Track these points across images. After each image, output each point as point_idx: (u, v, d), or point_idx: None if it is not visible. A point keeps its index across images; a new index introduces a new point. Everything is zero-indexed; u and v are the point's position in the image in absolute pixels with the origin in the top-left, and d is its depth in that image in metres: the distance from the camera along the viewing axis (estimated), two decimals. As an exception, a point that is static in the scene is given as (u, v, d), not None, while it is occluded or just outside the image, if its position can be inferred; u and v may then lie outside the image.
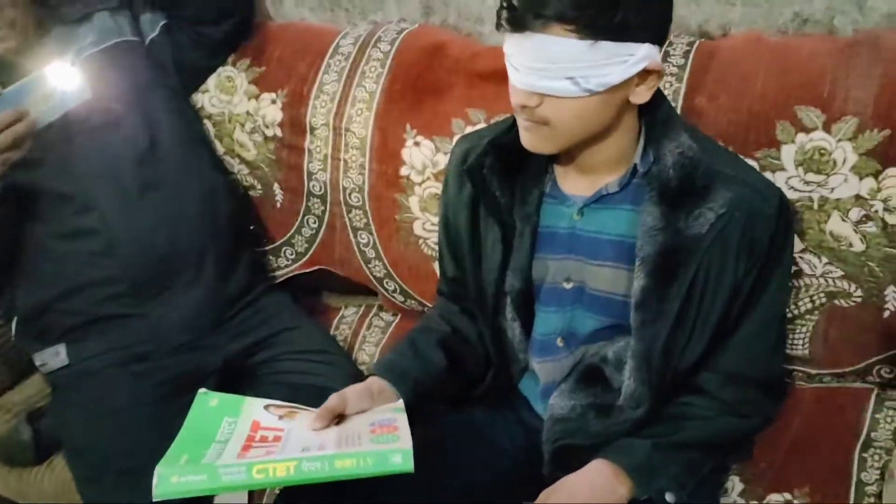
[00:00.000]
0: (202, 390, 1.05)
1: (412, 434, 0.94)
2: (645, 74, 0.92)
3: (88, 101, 1.19)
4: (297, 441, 0.96)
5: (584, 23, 0.86)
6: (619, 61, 0.88)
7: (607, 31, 0.87)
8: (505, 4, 0.89)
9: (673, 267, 0.97)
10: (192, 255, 1.41)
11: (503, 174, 1.06)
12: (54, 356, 1.34)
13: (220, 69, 1.58)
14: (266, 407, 1.05)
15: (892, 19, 1.23)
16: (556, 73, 0.89)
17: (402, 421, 0.98)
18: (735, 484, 1.18)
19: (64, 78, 1.14)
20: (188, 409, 1.30)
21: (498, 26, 0.92)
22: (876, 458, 1.15)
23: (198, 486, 0.87)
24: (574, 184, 1.05)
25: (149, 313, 1.37)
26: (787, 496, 1.14)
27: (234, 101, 1.57)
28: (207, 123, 1.60)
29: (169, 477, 0.87)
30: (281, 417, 1.03)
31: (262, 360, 1.44)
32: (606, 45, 0.87)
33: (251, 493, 1.33)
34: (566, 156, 1.04)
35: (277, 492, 1.19)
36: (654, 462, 1.00)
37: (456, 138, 1.38)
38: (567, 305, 1.08)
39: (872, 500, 1.10)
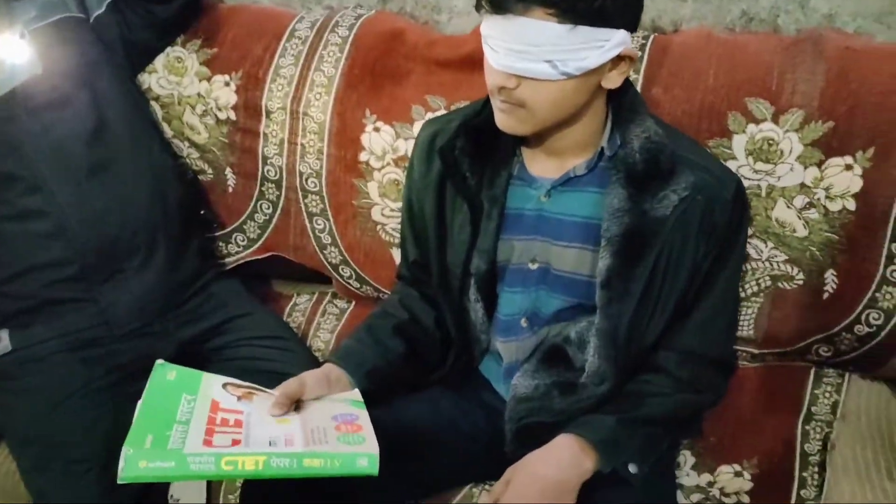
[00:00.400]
0: (159, 361, 1.02)
1: (373, 419, 0.96)
2: (618, 60, 0.96)
3: (36, 77, 1.14)
4: (261, 430, 0.95)
5: (565, 7, 0.89)
6: (596, 46, 0.91)
7: (586, 16, 0.89)
8: None
9: (638, 247, 1.01)
10: (142, 239, 1.38)
11: (473, 156, 1.08)
12: None
13: (169, 49, 1.54)
14: (224, 385, 1.04)
15: (832, 19, 1.32)
16: (535, 55, 0.91)
17: (365, 420, 0.98)
18: (687, 458, 1.24)
19: (12, 51, 1.09)
20: (139, 397, 1.27)
21: (478, 7, 0.94)
22: (817, 430, 1.23)
23: (165, 472, 0.86)
24: (542, 166, 1.08)
25: (98, 298, 1.32)
26: (737, 467, 1.21)
27: (184, 82, 1.53)
28: (155, 105, 1.55)
29: (137, 461, 0.85)
30: (239, 398, 1.02)
31: (216, 347, 1.42)
32: (584, 30, 0.90)
33: (209, 491, 1.31)
34: (535, 139, 1.06)
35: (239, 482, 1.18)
36: (619, 436, 1.03)
37: (416, 125, 1.40)
38: (532, 286, 1.11)
39: (816, 469, 1.17)
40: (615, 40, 0.93)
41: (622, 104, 1.03)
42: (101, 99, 1.37)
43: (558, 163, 1.07)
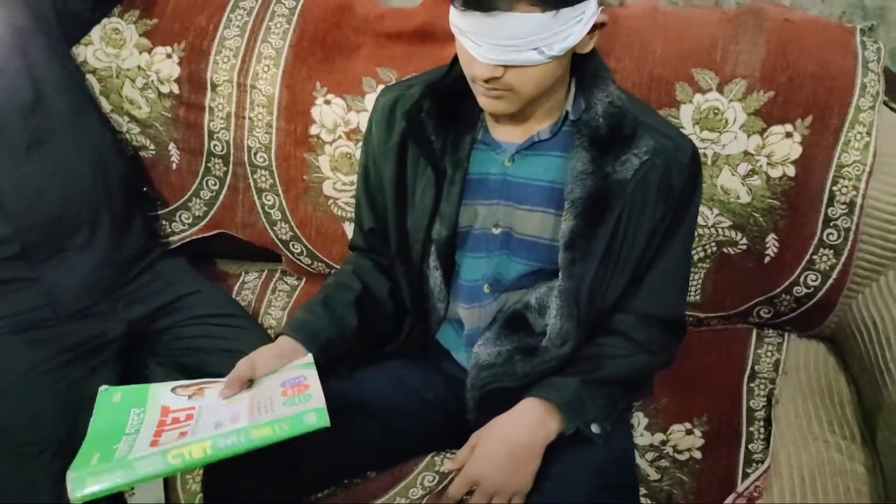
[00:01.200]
0: (103, 387, 1.01)
1: (327, 389, 0.96)
2: (592, 27, 0.97)
3: None
4: (210, 417, 0.95)
5: None
6: (576, 22, 0.92)
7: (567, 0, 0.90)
8: None
9: (601, 209, 1.03)
10: (84, 216, 1.33)
11: (438, 119, 1.07)
12: None
13: (106, 21, 1.48)
14: (173, 390, 1.02)
15: (770, -7, 1.37)
16: (522, 45, 0.91)
17: (313, 377, 0.99)
18: (640, 419, 1.28)
19: None
20: (91, 377, 1.24)
21: (458, 5, 0.92)
22: (762, 387, 1.29)
23: (115, 483, 0.84)
24: (506, 131, 1.08)
25: (42, 277, 1.27)
26: (688, 426, 1.25)
27: (122, 54, 1.47)
28: (92, 79, 1.49)
29: (83, 480, 0.84)
30: (190, 397, 1.01)
31: (166, 326, 1.38)
32: (565, 11, 0.90)
33: (167, 486, 1.27)
34: None
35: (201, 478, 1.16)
36: (582, 397, 1.06)
37: (368, 97, 1.39)
38: (495, 251, 1.11)
39: (762, 423, 1.23)
40: (590, 11, 0.94)
41: (586, 70, 1.05)
42: (35, 71, 1.31)
43: (523, 128, 1.07)
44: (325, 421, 0.90)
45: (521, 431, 1.03)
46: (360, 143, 1.21)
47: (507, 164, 1.08)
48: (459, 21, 0.94)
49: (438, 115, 1.07)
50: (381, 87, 1.39)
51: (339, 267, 1.49)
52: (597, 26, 0.97)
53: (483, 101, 1.00)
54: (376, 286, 1.19)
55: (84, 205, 1.32)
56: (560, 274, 1.06)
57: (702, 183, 1.10)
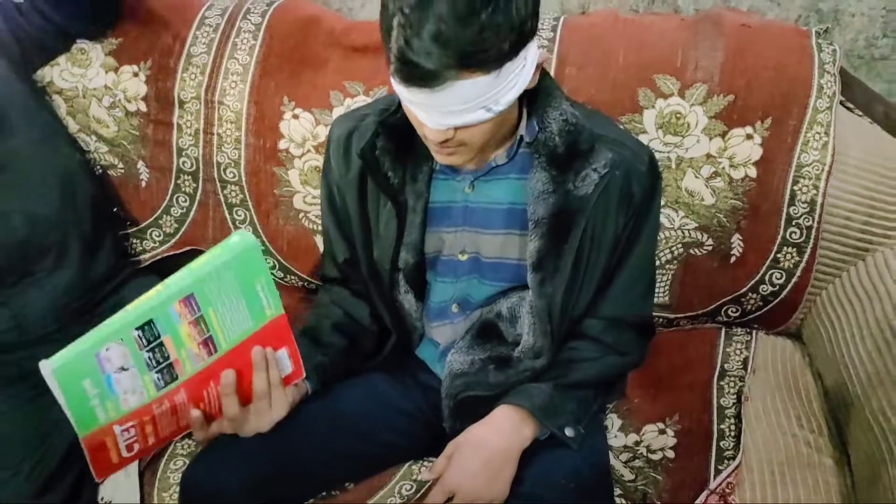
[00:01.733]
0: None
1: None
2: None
3: None
4: None
5: (492, 59, 0.88)
6: (519, 71, 0.92)
7: (510, 55, 0.89)
8: (407, 65, 0.87)
9: (565, 226, 1.04)
10: (52, 240, 1.32)
11: (394, 154, 1.07)
12: None
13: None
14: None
15: (727, 0, 1.40)
16: (470, 108, 0.91)
17: None
18: (614, 421, 1.29)
19: None
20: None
21: (400, 82, 0.91)
22: (731, 384, 1.31)
23: (81, 346, 0.89)
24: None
25: (8, 301, 1.26)
26: (660, 425, 1.27)
27: (88, 74, 1.47)
28: (58, 99, 1.49)
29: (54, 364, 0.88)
30: None
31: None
32: (507, 66, 0.90)
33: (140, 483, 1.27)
34: None
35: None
36: (555, 401, 1.07)
37: (336, 110, 1.40)
38: (463, 276, 1.13)
39: (732, 421, 1.25)
40: (531, 55, 0.94)
41: (538, 90, 1.05)
42: None
43: (480, 155, 1.08)
44: (250, 239, 0.94)
45: (496, 439, 1.04)
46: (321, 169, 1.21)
47: (467, 190, 1.09)
48: (403, 92, 0.92)
49: (394, 149, 1.07)
50: (348, 100, 1.40)
51: (311, 280, 1.50)
52: (539, 65, 0.97)
53: (437, 157, 1.01)
54: (356, 311, 1.20)
55: (52, 228, 1.32)
56: (531, 293, 1.08)
57: (661, 187, 1.12)
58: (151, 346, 0.94)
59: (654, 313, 1.37)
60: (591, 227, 1.04)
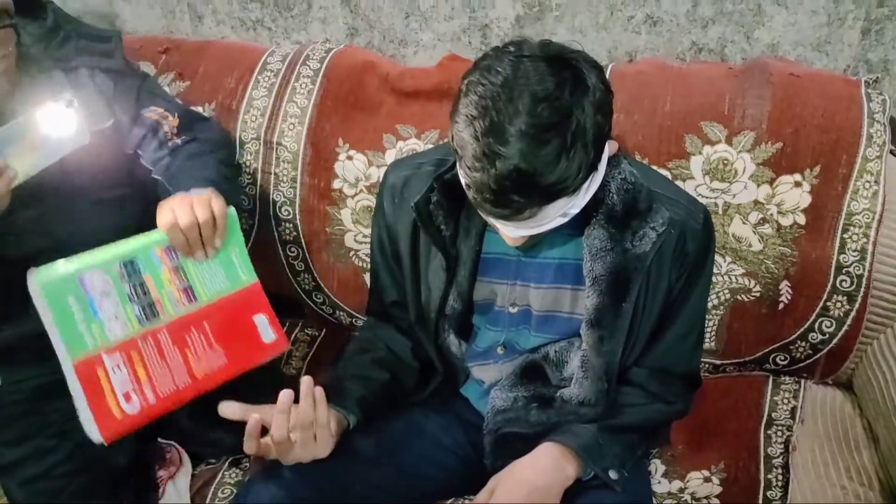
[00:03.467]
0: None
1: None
2: None
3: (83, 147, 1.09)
4: None
5: (570, 191, 0.89)
6: (595, 174, 0.94)
7: (589, 174, 0.91)
8: (491, 203, 0.89)
9: (623, 284, 1.04)
10: None
11: (448, 208, 1.10)
12: None
13: (143, 83, 1.56)
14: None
15: (775, 48, 1.42)
16: (550, 220, 0.94)
17: None
18: (658, 467, 1.28)
19: (62, 121, 1.03)
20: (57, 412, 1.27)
21: (486, 216, 0.94)
22: (779, 434, 1.29)
23: (65, 266, 1.01)
24: None
25: None
26: (706, 473, 1.25)
27: (154, 115, 1.55)
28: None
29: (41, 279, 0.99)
30: None
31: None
32: (585, 184, 0.92)
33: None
34: None
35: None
36: (600, 442, 1.08)
37: (388, 153, 1.44)
38: (512, 326, 1.15)
39: (779, 471, 1.23)
40: (604, 158, 0.96)
41: None
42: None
43: None
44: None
45: (539, 475, 1.05)
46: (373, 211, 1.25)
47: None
48: (482, 211, 0.94)
49: (447, 205, 1.09)
50: (400, 143, 1.44)
51: (360, 316, 1.54)
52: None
53: (508, 241, 1.02)
54: (399, 347, 1.22)
55: None
56: (586, 349, 1.08)
57: (714, 244, 1.12)
58: (133, 281, 1.04)
59: (700, 384, 1.37)
60: (645, 284, 1.05)
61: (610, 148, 0.98)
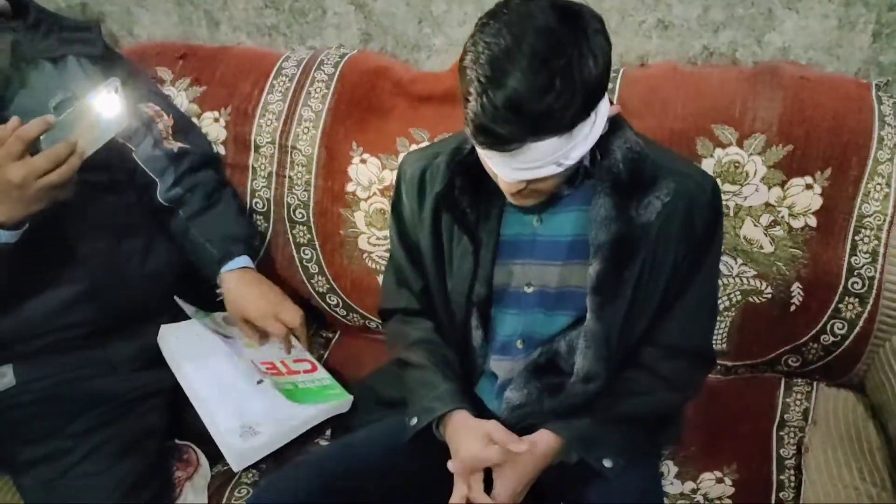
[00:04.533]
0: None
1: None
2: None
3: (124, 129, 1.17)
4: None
5: (562, 127, 0.91)
6: (591, 126, 0.96)
7: (580, 118, 0.93)
8: (483, 132, 0.91)
9: (626, 252, 1.06)
10: (158, 301, 1.39)
11: (470, 192, 1.12)
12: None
13: (131, 70, 1.56)
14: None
15: (786, 52, 1.42)
16: (542, 164, 0.95)
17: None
18: (670, 468, 1.29)
19: (108, 105, 1.10)
20: (140, 421, 1.30)
21: (480, 146, 0.96)
22: (791, 435, 1.30)
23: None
24: None
25: (108, 349, 1.33)
26: (718, 474, 1.26)
27: (172, 119, 1.58)
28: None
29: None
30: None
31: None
32: (579, 126, 0.94)
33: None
34: None
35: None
36: (594, 433, 1.10)
37: (401, 156, 1.45)
38: (528, 309, 1.15)
39: (792, 472, 1.23)
40: (602, 111, 0.97)
41: None
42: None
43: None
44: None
45: (537, 463, 1.10)
46: (391, 202, 1.26)
47: (535, 224, 1.12)
48: (479, 150, 0.98)
49: (471, 190, 1.11)
50: (413, 146, 1.46)
51: (373, 318, 1.55)
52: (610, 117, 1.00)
53: (510, 198, 1.05)
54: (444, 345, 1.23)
55: (159, 292, 1.39)
56: (588, 316, 1.09)
57: (723, 216, 1.13)
58: None
59: (714, 364, 1.37)
60: (651, 255, 1.06)
61: (611, 110, 0.99)
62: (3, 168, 1.02)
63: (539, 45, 0.87)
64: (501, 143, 0.92)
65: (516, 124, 0.89)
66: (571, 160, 0.96)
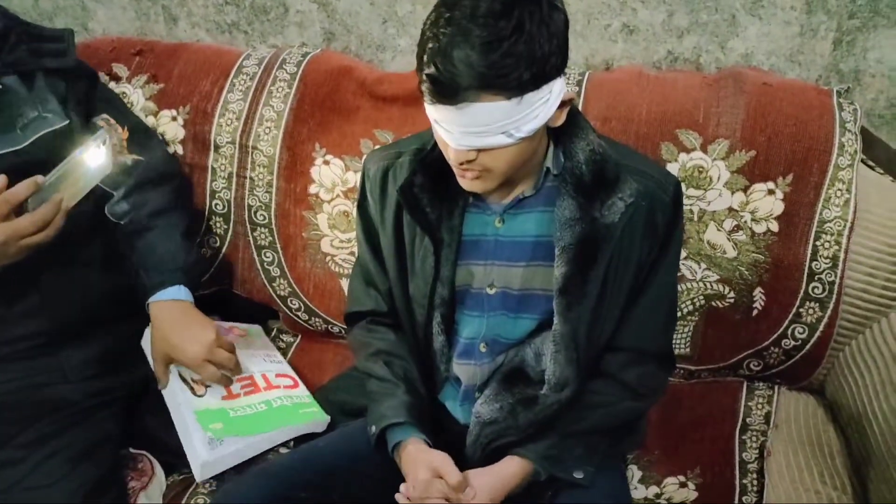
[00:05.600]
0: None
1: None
2: (561, 105, 1.01)
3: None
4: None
5: (512, 85, 0.92)
6: (542, 103, 0.96)
7: (530, 85, 0.93)
8: (434, 82, 0.92)
9: (591, 252, 1.06)
10: (108, 307, 1.35)
11: (432, 191, 1.11)
12: None
13: (114, 85, 1.54)
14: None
15: (748, 58, 1.44)
16: (490, 131, 0.95)
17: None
18: (634, 472, 1.29)
19: (95, 159, 1.13)
20: (96, 428, 1.26)
21: (429, 100, 0.96)
22: (753, 439, 1.30)
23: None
24: (493, 193, 1.13)
25: (59, 355, 1.29)
26: (681, 478, 1.26)
27: (129, 118, 1.53)
28: (98, 140, 1.54)
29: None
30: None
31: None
32: (529, 96, 0.94)
33: None
34: None
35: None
36: (558, 450, 1.10)
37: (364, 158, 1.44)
38: (490, 311, 1.14)
39: (754, 476, 1.24)
40: (556, 90, 0.97)
41: (565, 122, 1.07)
42: None
43: (508, 188, 1.12)
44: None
45: (502, 487, 1.10)
46: (356, 202, 1.24)
47: (497, 224, 1.11)
48: (432, 111, 0.98)
49: (432, 187, 1.10)
50: (377, 147, 1.44)
51: (336, 322, 1.52)
52: (565, 103, 1.00)
53: (462, 182, 1.04)
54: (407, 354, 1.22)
55: (114, 301, 1.35)
56: (555, 319, 1.09)
57: (683, 216, 1.14)
58: None
59: (675, 365, 1.38)
60: (616, 255, 1.06)
61: (565, 94, 1.00)
62: None
63: (495, 7, 0.90)
64: (449, 95, 0.92)
65: (465, 75, 0.90)
66: (521, 133, 0.96)
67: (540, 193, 1.10)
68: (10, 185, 1.10)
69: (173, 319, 1.28)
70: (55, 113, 1.27)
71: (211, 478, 1.28)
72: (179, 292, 1.30)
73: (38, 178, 1.07)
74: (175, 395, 1.27)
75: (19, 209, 1.07)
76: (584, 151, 1.06)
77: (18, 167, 1.18)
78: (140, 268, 1.31)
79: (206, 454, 1.21)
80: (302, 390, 1.40)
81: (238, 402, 1.30)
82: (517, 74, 0.91)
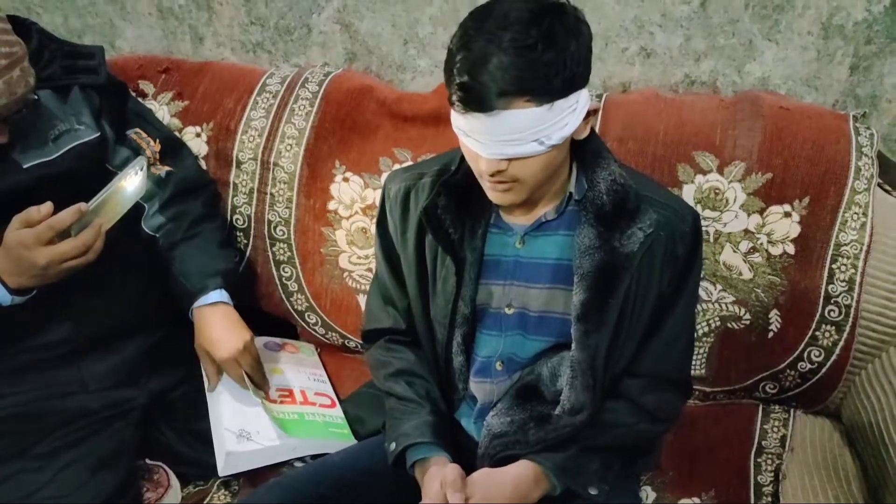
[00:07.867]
0: None
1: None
2: (586, 116, 1.03)
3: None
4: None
5: (544, 91, 0.94)
6: (570, 111, 0.98)
7: (560, 92, 0.95)
8: (468, 90, 0.93)
9: (610, 281, 1.07)
10: (131, 322, 1.37)
11: (454, 212, 1.12)
12: None
13: (129, 100, 1.56)
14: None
15: (765, 82, 1.45)
16: (522, 139, 0.96)
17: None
18: (648, 493, 1.28)
19: (133, 184, 1.18)
20: (112, 440, 1.28)
21: (459, 109, 0.97)
22: (769, 462, 1.30)
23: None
24: (515, 215, 1.14)
25: (81, 367, 1.31)
26: (696, 500, 1.26)
27: (153, 134, 1.56)
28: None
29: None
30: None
31: (182, 394, 1.40)
32: (559, 103, 0.96)
33: None
34: None
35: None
36: (578, 463, 1.10)
37: (384, 175, 1.46)
38: (508, 330, 1.15)
39: (769, 499, 1.23)
40: (582, 100, 1.00)
41: (586, 150, 1.10)
42: None
43: (530, 210, 1.13)
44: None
45: (511, 489, 1.08)
46: (375, 220, 1.26)
47: (518, 245, 1.12)
48: (461, 123, 0.99)
49: (454, 209, 1.12)
50: (396, 166, 1.46)
51: (352, 337, 1.54)
52: (590, 113, 1.02)
53: (492, 195, 1.05)
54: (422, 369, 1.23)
55: (138, 312, 1.37)
56: (573, 345, 1.09)
57: (702, 247, 1.14)
58: None
59: (692, 391, 1.38)
60: (635, 284, 1.07)
61: (591, 105, 1.01)
62: (31, 250, 1.08)
63: (525, 16, 0.93)
64: (483, 103, 0.93)
65: (499, 81, 0.92)
66: (552, 140, 0.97)
67: (562, 218, 1.11)
68: (42, 195, 1.12)
69: (215, 321, 1.34)
70: (87, 125, 1.31)
71: (226, 489, 1.29)
72: (222, 296, 1.36)
73: (82, 205, 1.11)
74: (220, 392, 1.32)
75: (63, 234, 1.10)
76: (605, 181, 1.07)
77: (49, 178, 1.22)
78: (181, 275, 1.36)
79: (232, 445, 1.22)
80: (337, 411, 1.41)
81: (274, 406, 1.33)
82: (549, 80, 0.93)
